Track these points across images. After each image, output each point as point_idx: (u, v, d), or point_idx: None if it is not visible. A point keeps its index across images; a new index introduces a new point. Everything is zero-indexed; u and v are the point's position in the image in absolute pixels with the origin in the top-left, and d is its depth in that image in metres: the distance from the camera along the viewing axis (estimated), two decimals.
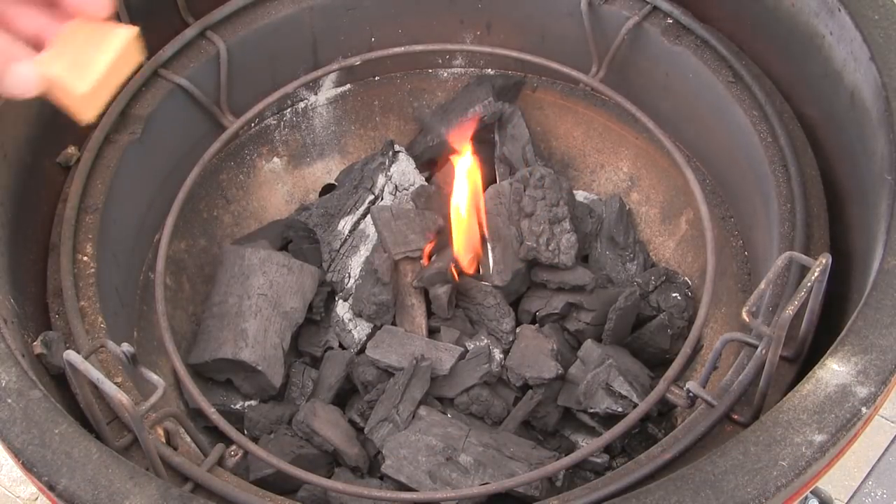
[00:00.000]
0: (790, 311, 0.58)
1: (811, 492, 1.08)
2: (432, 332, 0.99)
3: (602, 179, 1.13)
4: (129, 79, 0.94)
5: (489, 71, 1.13)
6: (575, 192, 1.10)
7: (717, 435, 0.69)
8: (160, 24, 0.97)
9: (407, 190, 1.07)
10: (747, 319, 0.58)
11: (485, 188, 1.02)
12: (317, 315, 1.00)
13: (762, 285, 0.60)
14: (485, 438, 0.86)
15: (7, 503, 1.40)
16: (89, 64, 0.60)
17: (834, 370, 0.61)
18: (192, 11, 1.01)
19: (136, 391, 0.75)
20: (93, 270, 0.83)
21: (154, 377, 0.59)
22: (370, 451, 0.90)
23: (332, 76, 1.11)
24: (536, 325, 0.99)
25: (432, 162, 1.13)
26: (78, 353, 0.60)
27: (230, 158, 1.08)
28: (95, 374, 0.58)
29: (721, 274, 0.93)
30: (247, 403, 0.97)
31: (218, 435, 0.78)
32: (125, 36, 0.62)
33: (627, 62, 1.02)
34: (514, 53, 1.06)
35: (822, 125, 0.88)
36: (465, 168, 1.02)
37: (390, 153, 1.08)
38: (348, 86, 1.13)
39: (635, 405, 0.87)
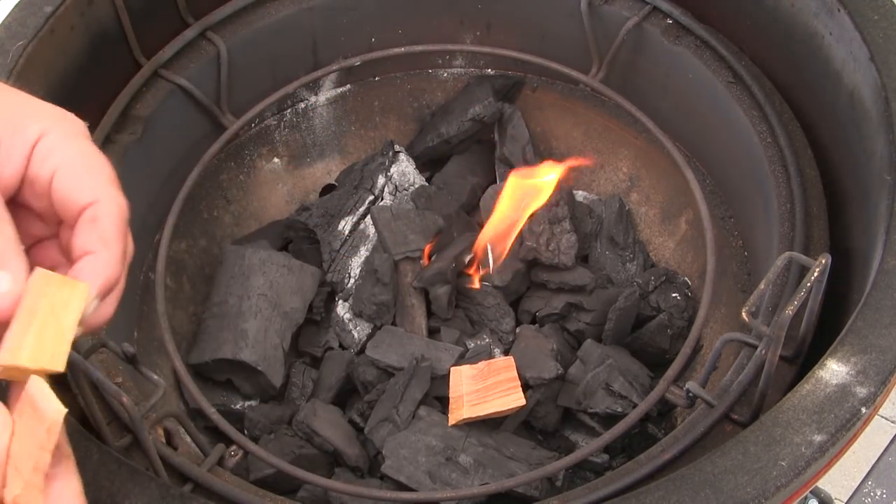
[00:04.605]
0: (790, 311, 0.58)
1: (811, 492, 1.08)
2: (432, 332, 0.99)
3: (602, 179, 1.13)
4: (131, 81, 0.95)
5: (489, 71, 1.13)
6: (575, 192, 1.10)
7: (716, 435, 0.68)
8: (160, 24, 0.97)
9: (407, 190, 1.07)
10: (747, 319, 0.58)
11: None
12: (317, 315, 1.00)
13: (762, 285, 0.59)
14: (485, 439, 0.86)
15: None
16: (58, 340, 0.48)
17: (834, 370, 0.60)
18: (192, 11, 1.00)
19: (136, 391, 0.75)
20: None
21: (154, 377, 0.59)
22: (370, 452, 0.90)
23: (332, 76, 1.11)
24: (536, 325, 0.99)
25: (432, 162, 1.13)
26: (78, 352, 0.60)
27: (230, 158, 1.08)
28: (95, 374, 0.58)
29: (721, 274, 0.93)
30: (247, 403, 0.97)
31: (218, 435, 0.78)
32: (83, 295, 0.50)
33: (627, 63, 1.02)
34: (514, 53, 1.05)
35: (821, 125, 0.88)
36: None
37: (390, 153, 1.08)
38: (348, 86, 1.13)
39: (635, 405, 0.87)
